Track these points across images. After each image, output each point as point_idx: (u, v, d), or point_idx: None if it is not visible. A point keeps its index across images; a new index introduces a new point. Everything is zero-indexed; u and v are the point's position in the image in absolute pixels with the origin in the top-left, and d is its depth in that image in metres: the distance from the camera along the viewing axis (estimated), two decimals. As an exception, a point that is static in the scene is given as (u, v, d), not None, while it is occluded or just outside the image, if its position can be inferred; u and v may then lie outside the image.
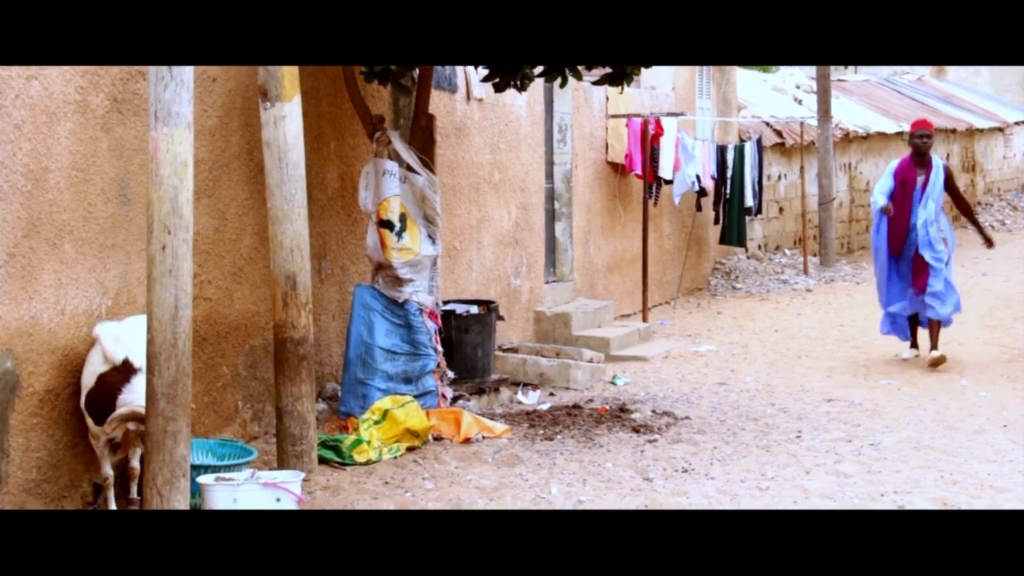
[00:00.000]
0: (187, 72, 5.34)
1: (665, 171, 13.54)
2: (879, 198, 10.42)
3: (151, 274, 5.36)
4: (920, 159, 10.43)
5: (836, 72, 25.08)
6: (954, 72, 27.91)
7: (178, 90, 5.29)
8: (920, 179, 10.35)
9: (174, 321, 5.34)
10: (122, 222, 6.44)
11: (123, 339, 5.99)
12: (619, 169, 13.55)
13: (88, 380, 5.98)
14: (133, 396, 5.80)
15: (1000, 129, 26.09)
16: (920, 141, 10.36)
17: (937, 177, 10.35)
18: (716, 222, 15.56)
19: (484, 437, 7.98)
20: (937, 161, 10.46)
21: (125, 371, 5.91)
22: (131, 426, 5.80)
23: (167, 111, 5.30)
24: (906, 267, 10.42)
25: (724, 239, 15.72)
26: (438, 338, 8.59)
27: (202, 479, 5.83)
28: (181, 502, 5.36)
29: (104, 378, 5.92)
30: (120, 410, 5.79)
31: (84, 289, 6.20)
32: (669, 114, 13.84)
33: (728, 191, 15.18)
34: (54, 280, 6.01)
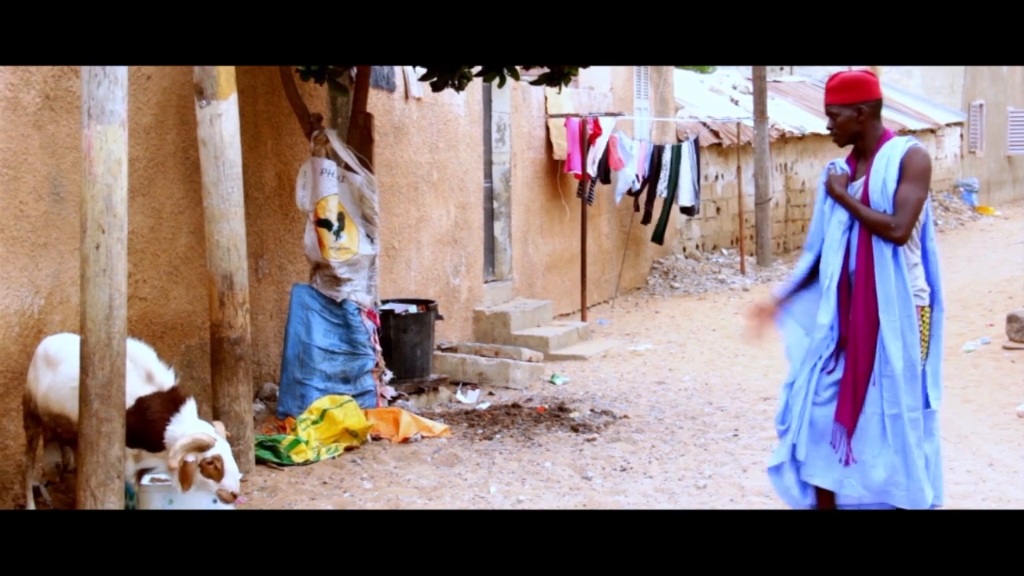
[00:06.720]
0: (121, 70, 5.27)
1: (600, 171, 13.57)
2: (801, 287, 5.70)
3: (85, 273, 5.29)
4: (858, 148, 5.13)
5: (772, 73, 25.34)
6: (886, 73, 28.27)
7: (112, 88, 5.23)
8: (858, 183, 5.08)
9: (108, 321, 5.27)
10: (55, 220, 6.35)
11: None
12: (557, 168, 13.59)
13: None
14: (183, 428, 5.48)
15: (932, 131, 26.47)
16: (830, 124, 5.15)
17: (884, 171, 4.97)
18: (644, 221, 15.57)
19: (423, 437, 7.96)
20: (892, 147, 5.02)
21: (173, 399, 5.60)
22: (190, 458, 5.36)
23: (101, 109, 5.23)
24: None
25: (656, 238, 15.78)
26: (377, 338, 8.56)
27: (137, 481, 5.76)
28: (115, 503, 5.30)
29: (145, 403, 5.55)
30: (183, 440, 5.38)
31: (15, 288, 6.10)
32: (607, 114, 13.90)
33: (666, 191, 15.23)
34: (-15, 280, 5.92)
